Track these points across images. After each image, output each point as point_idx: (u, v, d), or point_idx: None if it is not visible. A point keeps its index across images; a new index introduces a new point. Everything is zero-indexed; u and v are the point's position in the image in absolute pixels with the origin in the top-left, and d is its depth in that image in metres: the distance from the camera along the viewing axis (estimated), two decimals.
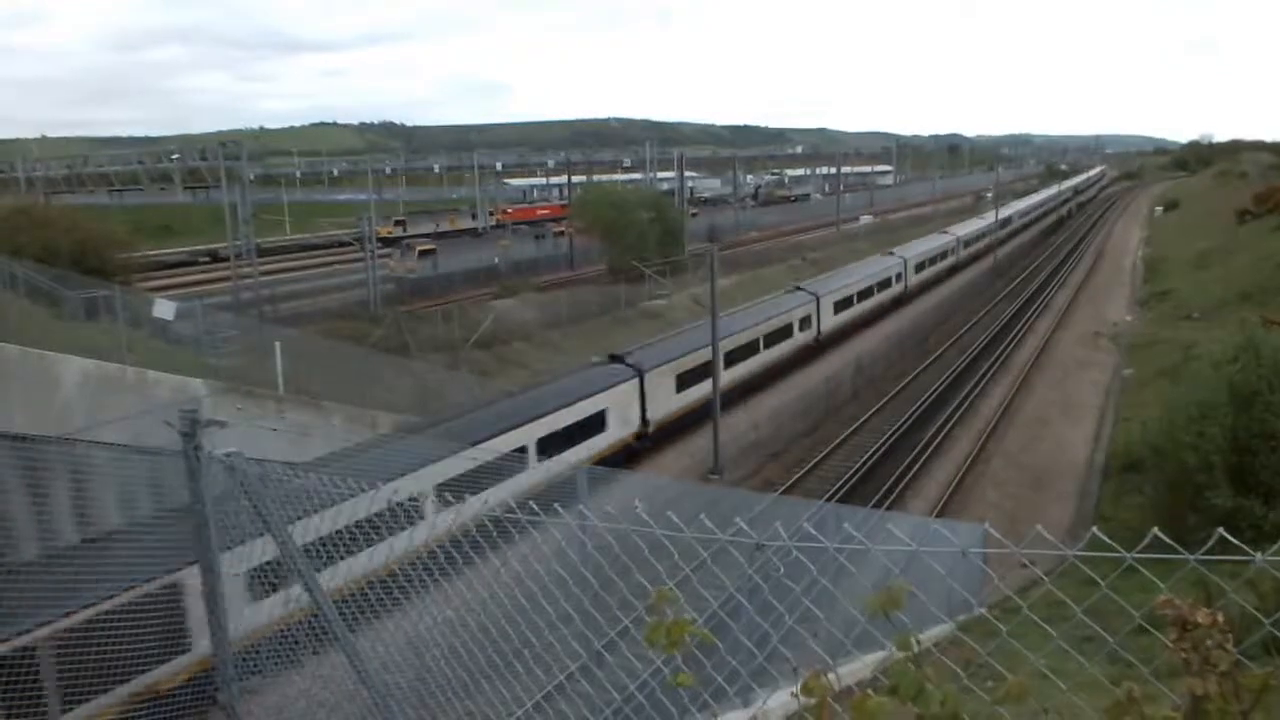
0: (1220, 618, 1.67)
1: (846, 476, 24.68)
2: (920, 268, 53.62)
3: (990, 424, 29.70)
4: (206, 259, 52.38)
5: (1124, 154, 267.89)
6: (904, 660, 1.70)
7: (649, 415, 25.65)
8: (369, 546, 5.02)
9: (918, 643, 1.71)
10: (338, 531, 4.93)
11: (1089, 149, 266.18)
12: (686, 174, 75.74)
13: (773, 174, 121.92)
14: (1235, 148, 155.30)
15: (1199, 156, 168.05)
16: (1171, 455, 18.02)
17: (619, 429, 24.17)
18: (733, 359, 29.94)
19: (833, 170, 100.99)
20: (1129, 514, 20.35)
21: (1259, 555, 1.95)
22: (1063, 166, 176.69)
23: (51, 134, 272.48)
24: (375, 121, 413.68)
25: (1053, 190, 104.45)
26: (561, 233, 58.53)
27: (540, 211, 78.12)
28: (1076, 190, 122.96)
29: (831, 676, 1.75)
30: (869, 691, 1.68)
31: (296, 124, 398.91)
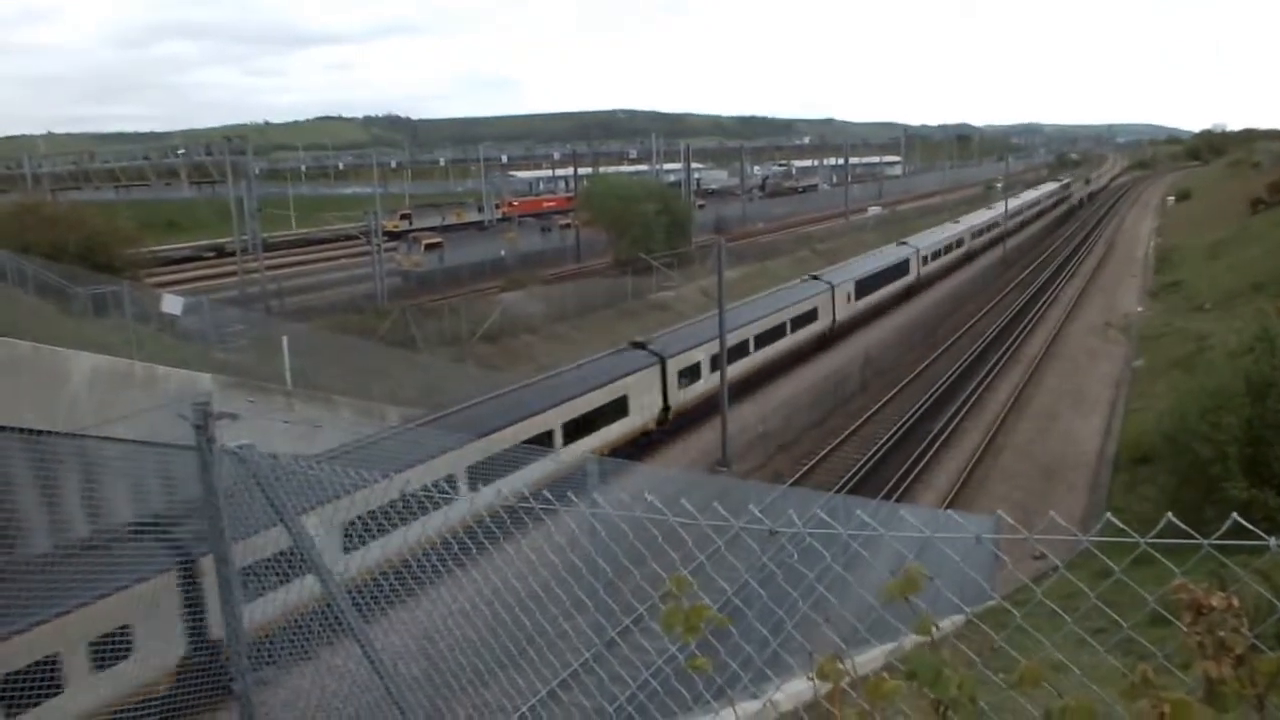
0: (1235, 602, 1.68)
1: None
2: (855, 296, 40.62)
3: (999, 416, 29.64)
4: (212, 254, 52.52)
5: (1136, 143, 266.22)
6: (921, 646, 1.71)
7: None
8: (383, 536, 5.05)
9: (936, 627, 1.72)
10: (351, 522, 4.96)
11: (1100, 138, 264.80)
12: (693, 165, 75.55)
13: (780, 165, 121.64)
14: (1248, 137, 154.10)
15: (1211, 146, 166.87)
16: (1184, 446, 17.96)
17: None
18: None
19: (840, 161, 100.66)
20: (1141, 506, 20.27)
21: (1274, 540, 1.95)
22: (1073, 156, 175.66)
23: (58, 130, 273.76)
24: (380, 115, 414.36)
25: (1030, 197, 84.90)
26: (568, 225, 58.48)
27: (546, 204, 78.07)
28: (1071, 191, 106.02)
29: (847, 662, 1.75)
30: (884, 675, 1.69)
31: (302, 118, 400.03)
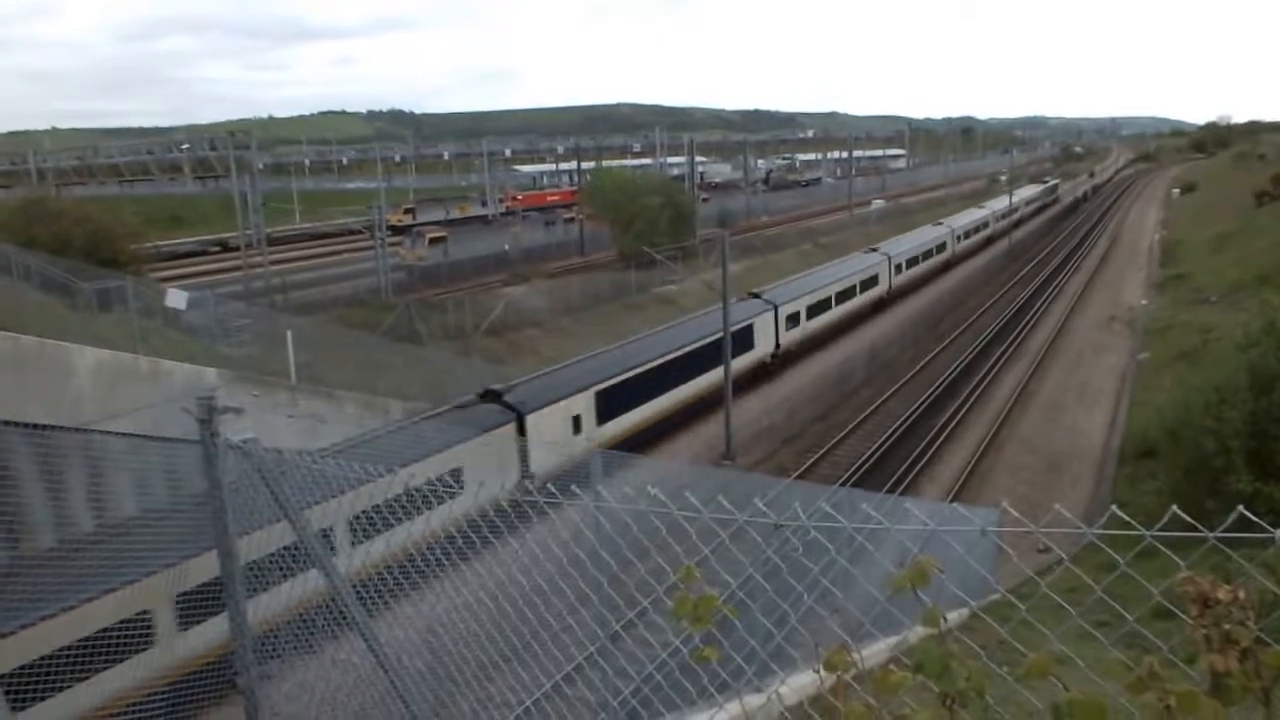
0: (1242, 594, 1.67)
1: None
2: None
3: (1004, 409, 29.61)
4: (216, 249, 52.55)
5: (1140, 136, 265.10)
6: (929, 638, 1.70)
7: None
8: (386, 531, 5.05)
9: (945, 619, 1.71)
10: (355, 516, 4.96)
11: (1105, 131, 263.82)
12: (697, 159, 75.40)
13: (784, 158, 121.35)
14: (1254, 129, 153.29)
15: (1217, 138, 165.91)
16: (1188, 440, 17.90)
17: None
18: None
19: (844, 154, 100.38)
20: (1146, 499, 20.20)
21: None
22: (1077, 149, 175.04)
23: (62, 125, 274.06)
24: (384, 109, 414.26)
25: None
26: (572, 219, 58.43)
27: (550, 198, 78.02)
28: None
29: (854, 654, 1.75)
30: (891, 668, 1.68)
31: (305, 112, 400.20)
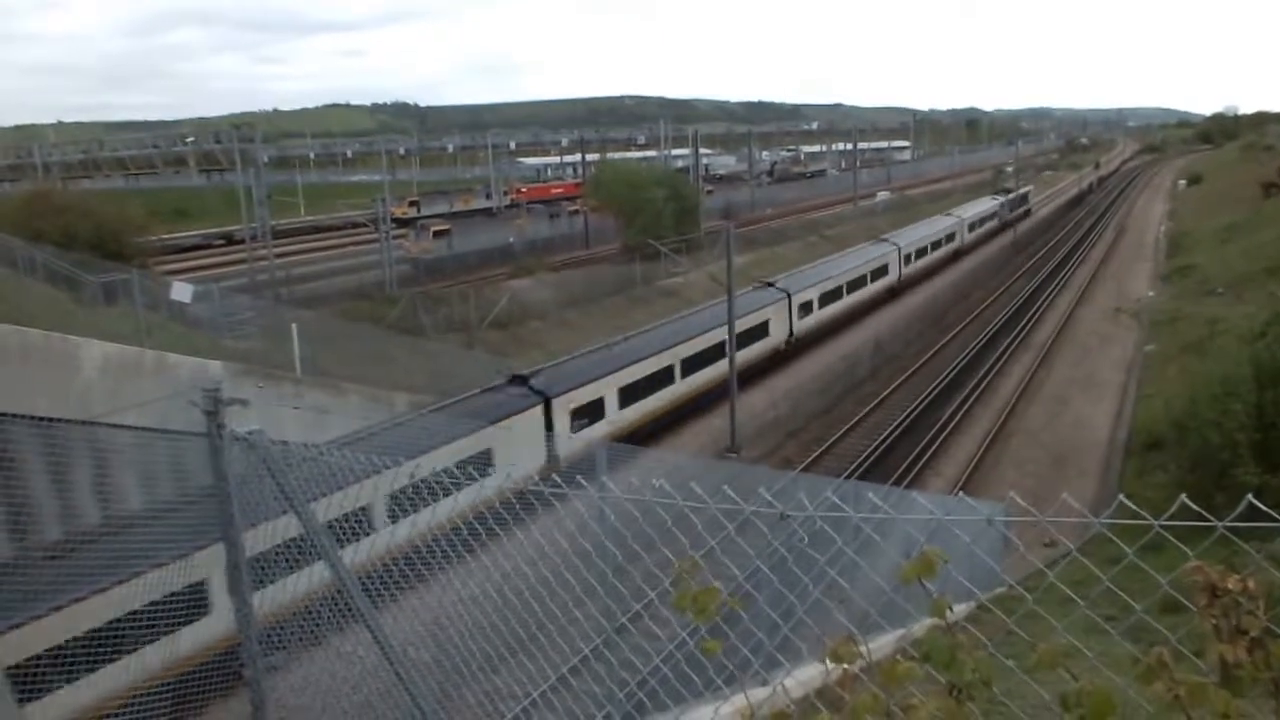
0: (1251, 584, 1.66)
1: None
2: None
3: (1010, 402, 29.54)
4: (221, 242, 52.65)
5: (1146, 127, 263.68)
6: (936, 629, 1.70)
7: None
8: (393, 523, 5.06)
9: (951, 610, 1.70)
10: (360, 509, 4.97)
11: (1110, 122, 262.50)
12: (701, 151, 75.22)
13: (788, 150, 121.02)
14: (1261, 120, 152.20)
15: (1224, 129, 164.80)
16: (1195, 433, 17.85)
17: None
18: None
19: (849, 146, 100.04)
20: (1153, 492, 20.13)
21: None
22: (1083, 140, 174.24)
23: (67, 119, 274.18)
24: (388, 102, 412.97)
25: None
26: (576, 211, 58.39)
27: (555, 190, 77.93)
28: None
29: (860, 645, 1.75)
30: (898, 659, 1.68)
31: (309, 105, 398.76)
